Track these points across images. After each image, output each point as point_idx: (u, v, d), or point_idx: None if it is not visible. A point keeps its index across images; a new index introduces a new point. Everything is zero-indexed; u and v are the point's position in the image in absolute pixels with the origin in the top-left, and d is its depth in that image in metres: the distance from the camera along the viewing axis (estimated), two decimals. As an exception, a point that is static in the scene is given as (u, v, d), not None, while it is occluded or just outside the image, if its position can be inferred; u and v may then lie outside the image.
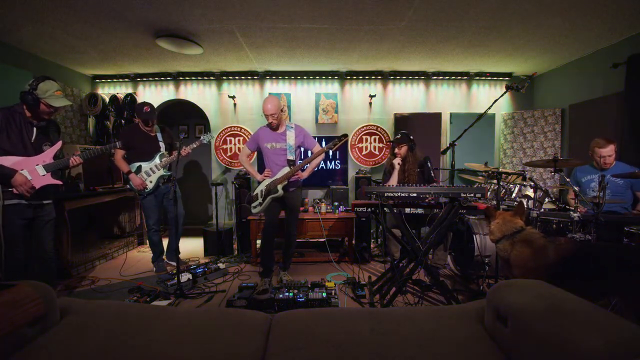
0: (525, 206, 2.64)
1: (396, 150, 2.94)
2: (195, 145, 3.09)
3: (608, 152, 2.60)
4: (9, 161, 2.00)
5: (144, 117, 2.96)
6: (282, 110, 2.68)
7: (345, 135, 2.67)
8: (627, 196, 2.54)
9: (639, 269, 1.48)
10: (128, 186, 3.07)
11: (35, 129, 2.12)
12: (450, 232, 2.82)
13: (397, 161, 2.90)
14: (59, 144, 2.21)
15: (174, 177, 2.61)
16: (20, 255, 2.10)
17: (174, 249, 2.83)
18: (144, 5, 2.48)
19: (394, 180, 2.89)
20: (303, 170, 2.74)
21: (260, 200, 2.75)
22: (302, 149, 2.95)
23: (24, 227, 2.12)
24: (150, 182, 3.03)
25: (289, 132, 2.73)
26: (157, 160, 3.06)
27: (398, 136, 2.95)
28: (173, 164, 2.78)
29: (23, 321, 1.08)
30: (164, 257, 3.34)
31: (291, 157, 2.69)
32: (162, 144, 3.14)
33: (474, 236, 2.72)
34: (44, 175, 2.11)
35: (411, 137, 2.92)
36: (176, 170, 2.64)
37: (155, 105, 4.35)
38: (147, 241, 3.34)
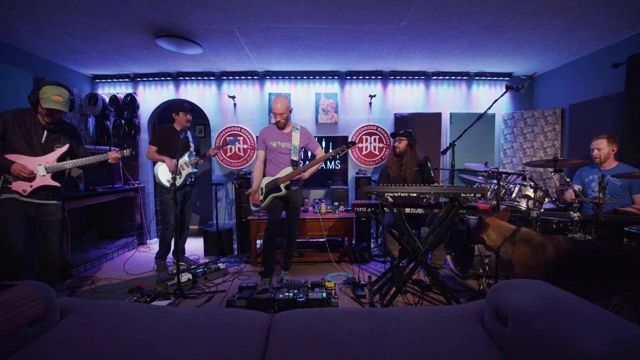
0: (526, 206, 2.65)
1: (396, 143, 3.05)
2: (222, 147, 3.38)
3: (597, 144, 2.63)
4: (15, 159, 2.04)
5: (185, 107, 3.24)
6: (290, 111, 2.72)
7: (353, 143, 2.74)
8: (625, 198, 2.53)
9: (638, 269, 1.48)
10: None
11: (45, 130, 2.15)
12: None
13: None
14: (65, 147, 2.23)
15: (175, 178, 2.60)
16: (19, 252, 2.08)
17: (182, 250, 2.91)
18: (144, 5, 2.48)
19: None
20: (304, 171, 2.75)
21: (261, 197, 2.77)
22: (304, 150, 2.99)
23: (25, 224, 2.13)
24: (180, 177, 3.14)
25: (295, 133, 2.76)
26: (186, 157, 3.21)
27: (401, 131, 3.05)
28: (180, 164, 2.91)
29: (23, 321, 1.08)
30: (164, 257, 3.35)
31: (295, 158, 2.73)
32: (192, 144, 3.32)
33: (474, 236, 2.71)
34: (43, 175, 2.13)
35: (413, 135, 3.02)
36: (176, 171, 2.63)
37: (155, 105, 4.38)
38: (158, 237, 3.37)
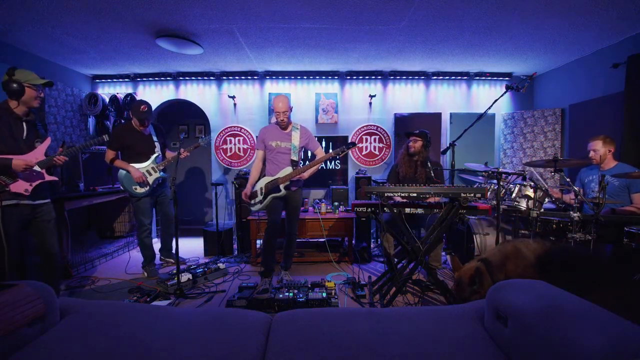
0: (526, 207, 2.65)
1: (411, 143, 3.05)
2: (192, 148, 3.07)
3: (592, 145, 2.65)
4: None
5: (141, 117, 2.88)
6: (290, 109, 2.73)
7: (354, 144, 2.73)
8: (624, 198, 2.53)
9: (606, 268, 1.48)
10: (120, 187, 2.93)
11: (24, 124, 2.07)
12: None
13: None
14: (47, 141, 2.17)
15: (174, 177, 2.59)
16: (16, 257, 2.07)
17: (169, 249, 2.81)
18: (144, 5, 2.48)
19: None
20: (304, 171, 2.75)
21: (260, 197, 2.76)
22: (304, 150, 2.98)
23: (21, 228, 2.09)
24: (148, 187, 2.95)
25: (295, 132, 2.76)
26: (153, 162, 2.98)
27: (416, 131, 3.04)
28: (170, 166, 2.72)
29: (23, 321, 1.08)
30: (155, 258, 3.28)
31: (294, 158, 2.72)
32: (157, 144, 3.06)
33: (474, 236, 2.72)
34: (39, 172, 2.09)
35: (429, 136, 3.04)
36: (176, 172, 2.60)
37: (156, 105, 4.37)
38: (139, 245, 3.13)
